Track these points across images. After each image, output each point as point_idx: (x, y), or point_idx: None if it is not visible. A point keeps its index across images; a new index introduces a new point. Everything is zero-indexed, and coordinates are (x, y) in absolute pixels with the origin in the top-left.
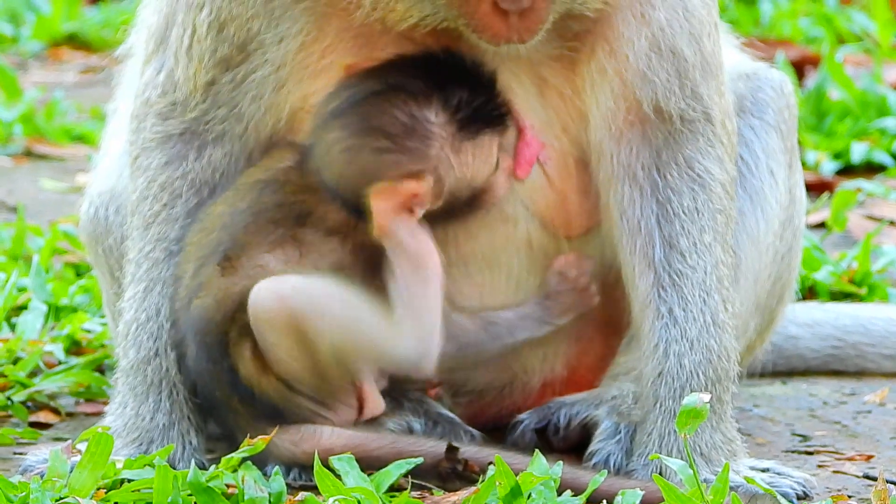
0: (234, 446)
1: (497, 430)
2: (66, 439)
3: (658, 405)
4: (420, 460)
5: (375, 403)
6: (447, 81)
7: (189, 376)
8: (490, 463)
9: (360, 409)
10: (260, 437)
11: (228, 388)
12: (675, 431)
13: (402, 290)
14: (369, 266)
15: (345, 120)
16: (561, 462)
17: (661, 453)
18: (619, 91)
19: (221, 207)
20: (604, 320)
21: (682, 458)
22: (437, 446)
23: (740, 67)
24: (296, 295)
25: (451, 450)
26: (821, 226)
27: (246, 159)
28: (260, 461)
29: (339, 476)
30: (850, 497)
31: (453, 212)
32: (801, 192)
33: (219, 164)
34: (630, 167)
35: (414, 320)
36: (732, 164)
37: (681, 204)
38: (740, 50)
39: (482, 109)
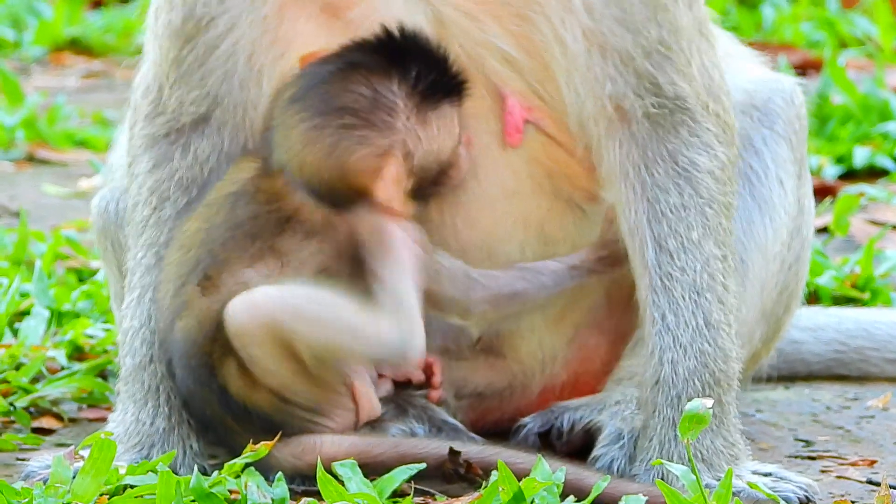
0: (235, 454)
1: (500, 435)
2: (68, 445)
3: (657, 413)
4: (423, 465)
5: (371, 406)
6: (402, 57)
7: (181, 396)
8: (493, 468)
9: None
10: (263, 442)
11: (220, 408)
12: (675, 438)
13: (377, 277)
14: (353, 264)
15: (305, 103)
16: (564, 467)
17: (662, 459)
18: (581, 90)
19: (197, 224)
20: (608, 324)
21: (683, 464)
22: (440, 448)
23: (751, 77)
24: (268, 303)
25: (454, 453)
26: (823, 230)
27: (237, 151)
28: (263, 472)
29: (341, 482)
30: (853, 502)
31: (423, 191)
32: (810, 202)
33: (206, 158)
34: (622, 166)
35: (392, 308)
36: (728, 146)
37: (667, 202)
38: (750, 59)
39: (440, 80)
